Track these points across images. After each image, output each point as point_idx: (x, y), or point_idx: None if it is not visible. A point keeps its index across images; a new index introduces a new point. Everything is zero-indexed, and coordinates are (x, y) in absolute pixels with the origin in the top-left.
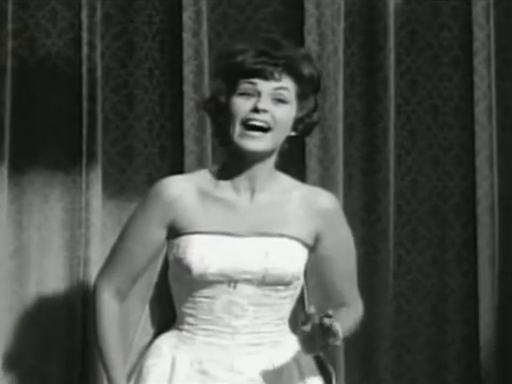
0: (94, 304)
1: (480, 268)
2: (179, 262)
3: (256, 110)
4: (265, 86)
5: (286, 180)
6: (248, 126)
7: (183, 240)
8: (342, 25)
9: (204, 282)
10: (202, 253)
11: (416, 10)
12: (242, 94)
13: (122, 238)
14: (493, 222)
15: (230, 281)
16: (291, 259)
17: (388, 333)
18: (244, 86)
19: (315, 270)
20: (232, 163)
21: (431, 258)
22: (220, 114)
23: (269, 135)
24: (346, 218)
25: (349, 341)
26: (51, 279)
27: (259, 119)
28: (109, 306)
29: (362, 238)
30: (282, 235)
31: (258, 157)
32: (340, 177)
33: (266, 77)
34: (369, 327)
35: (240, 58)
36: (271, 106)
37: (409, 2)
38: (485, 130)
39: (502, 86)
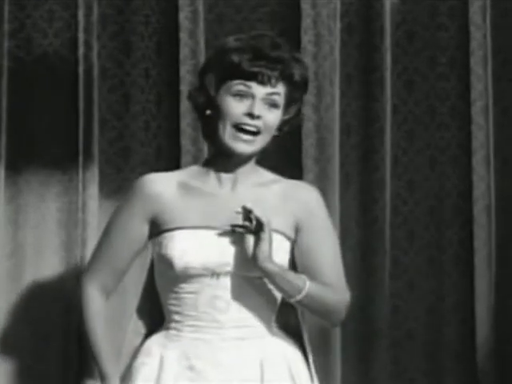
0: (80, 299)
1: (477, 268)
2: (162, 258)
3: (250, 115)
4: (259, 90)
5: (266, 174)
6: (239, 129)
7: (165, 237)
8: (338, 25)
9: (187, 276)
10: (183, 247)
11: (413, 10)
12: (235, 95)
13: (105, 234)
14: (490, 222)
15: (213, 274)
16: (272, 251)
17: (385, 333)
18: (238, 87)
19: (298, 262)
20: (216, 158)
21: (428, 258)
22: (207, 107)
23: (258, 138)
24: (343, 217)
25: (345, 341)
26: (48, 279)
27: (252, 124)
28: (95, 301)
29: (359, 239)
30: None
31: (245, 157)
32: (336, 177)
33: (262, 81)
34: (366, 327)
35: (237, 58)
36: (264, 110)
37: (405, 1)
38: (481, 130)
39: (498, 85)
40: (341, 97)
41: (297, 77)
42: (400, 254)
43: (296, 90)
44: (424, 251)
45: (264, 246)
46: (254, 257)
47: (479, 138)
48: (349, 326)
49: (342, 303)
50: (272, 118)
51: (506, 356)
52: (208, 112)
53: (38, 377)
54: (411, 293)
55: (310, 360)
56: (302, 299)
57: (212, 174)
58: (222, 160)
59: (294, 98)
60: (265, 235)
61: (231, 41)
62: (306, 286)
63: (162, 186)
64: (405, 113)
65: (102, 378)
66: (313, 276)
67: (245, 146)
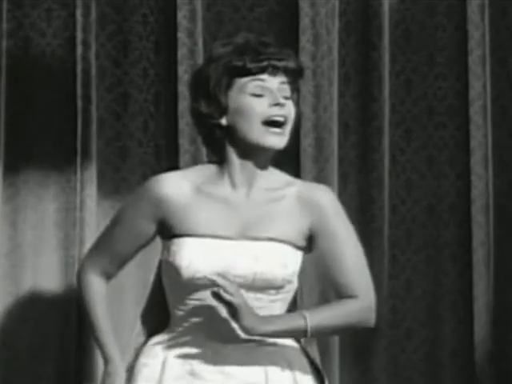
0: (79, 284)
1: (475, 267)
2: (170, 265)
3: (277, 104)
4: (273, 81)
5: (282, 176)
6: (268, 123)
7: (175, 243)
8: (336, 24)
9: (193, 285)
10: (191, 257)
11: (411, 9)
12: (253, 92)
13: (110, 226)
14: (488, 221)
15: (219, 285)
16: (282, 263)
17: (383, 333)
18: (253, 83)
19: (319, 268)
20: (233, 161)
21: (426, 257)
22: (221, 116)
23: (286, 130)
24: None
25: (343, 341)
26: (46, 279)
27: (280, 114)
28: (94, 282)
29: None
30: (272, 239)
31: (270, 154)
32: (335, 176)
33: (273, 73)
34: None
35: (240, 59)
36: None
37: (404, 1)
38: (480, 130)
39: (496, 85)
40: (339, 96)
41: (295, 65)
42: (398, 254)
43: (295, 80)
44: (422, 250)
45: (244, 321)
46: (242, 330)
47: (477, 137)
48: None
49: (364, 311)
50: (290, 107)
51: (505, 355)
52: (224, 121)
53: (36, 377)
54: (409, 292)
55: (323, 374)
56: (311, 336)
57: (226, 177)
58: (238, 162)
59: (293, 88)
60: (239, 316)
61: (219, 48)
62: (307, 324)
63: (172, 188)
64: (403, 112)
65: (106, 360)
66: (335, 286)
67: (275, 138)
